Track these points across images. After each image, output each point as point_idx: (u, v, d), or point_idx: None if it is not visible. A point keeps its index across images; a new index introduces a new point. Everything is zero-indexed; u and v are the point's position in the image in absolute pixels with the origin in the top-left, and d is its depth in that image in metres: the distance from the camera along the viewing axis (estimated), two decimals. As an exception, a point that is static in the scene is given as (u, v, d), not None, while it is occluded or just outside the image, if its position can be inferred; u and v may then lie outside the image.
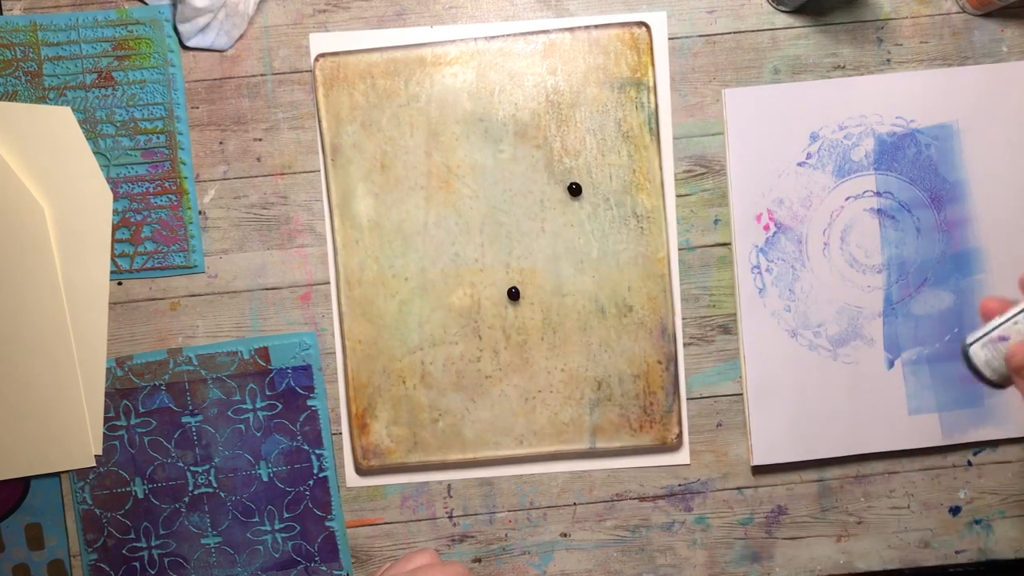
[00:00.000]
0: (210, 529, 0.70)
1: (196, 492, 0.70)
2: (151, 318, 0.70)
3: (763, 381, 0.70)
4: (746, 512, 0.71)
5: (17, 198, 0.67)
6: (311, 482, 0.70)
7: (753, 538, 0.72)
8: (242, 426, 0.69)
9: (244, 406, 0.69)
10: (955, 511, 0.72)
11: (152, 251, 0.69)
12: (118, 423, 0.69)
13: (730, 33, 0.70)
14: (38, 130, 0.67)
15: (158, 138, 0.69)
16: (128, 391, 0.69)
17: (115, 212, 0.69)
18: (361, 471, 0.70)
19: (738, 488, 0.71)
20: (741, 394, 0.71)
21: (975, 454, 0.72)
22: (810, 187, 0.69)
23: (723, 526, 0.71)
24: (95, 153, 0.68)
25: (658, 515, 0.71)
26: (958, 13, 0.70)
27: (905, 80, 0.69)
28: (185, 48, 0.69)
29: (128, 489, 0.70)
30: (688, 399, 0.71)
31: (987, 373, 0.51)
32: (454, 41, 0.68)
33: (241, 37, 0.69)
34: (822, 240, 0.70)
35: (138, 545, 0.70)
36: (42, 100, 0.68)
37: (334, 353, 0.70)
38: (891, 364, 0.70)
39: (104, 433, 0.69)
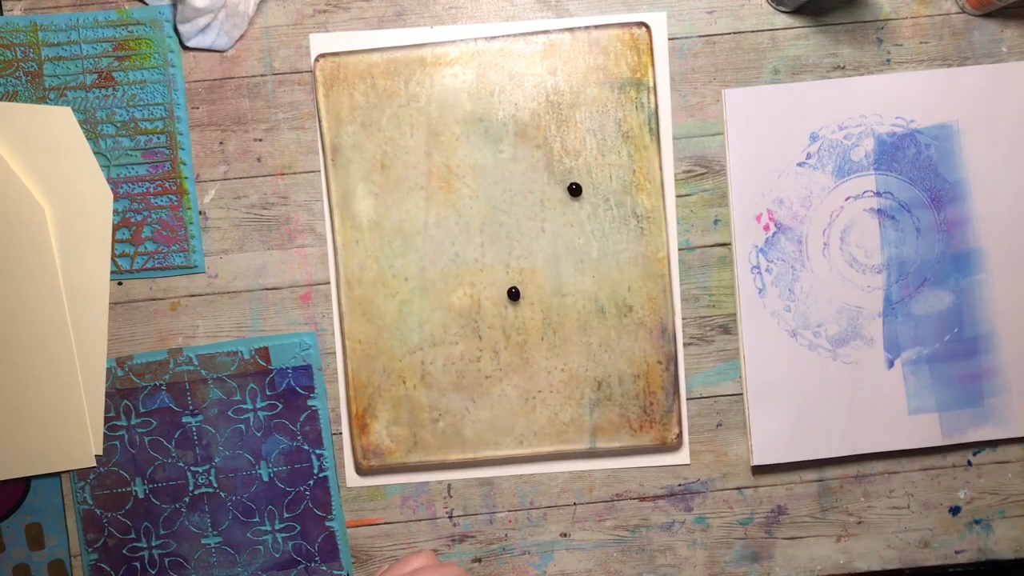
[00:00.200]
0: (210, 529, 0.70)
1: (196, 492, 0.70)
2: (151, 318, 0.70)
3: (763, 381, 0.70)
4: (746, 512, 0.71)
5: (17, 198, 0.67)
6: (311, 482, 0.70)
7: (753, 538, 0.72)
8: (242, 426, 0.69)
9: (244, 406, 0.69)
10: (955, 511, 0.72)
11: (152, 251, 0.69)
12: (118, 423, 0.69)
13: (730, 33, 0.70)
14: (38, 130, 0.67)
15: (158, 138, 0.69)
16: (128, 391, 0.69)
17: (115, 212, 0.69)
18: (361, 471, 0.70)
19: (738, 488, 0.71)
20: (741, 394, 0.71)
21: (975, 454, 0.72)
22: (810, 187, 0.70)
23: (723, 526, 0.71)
24: (95, 153, 0.68)
25: (658, 515, 0.71)
26: (958, 13, 0.70)
27: (905, 80, 0.69)
28: (185, 48, 0.69)
29: (128, 489, 0.70)
30: (688, 399, 0.71)
31: None
32: (454, 41, 0.68)
33: (241, 37, 0.69)
34: (822, 240, 0.70)
35: (138, 545, 0.70)
36: (42, 100, 0.68)
37: (334, 353, 0.70)
38: (891, 364, 0.70)
39: (104, 433, 0.69)
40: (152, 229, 0.69)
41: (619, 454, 0.71)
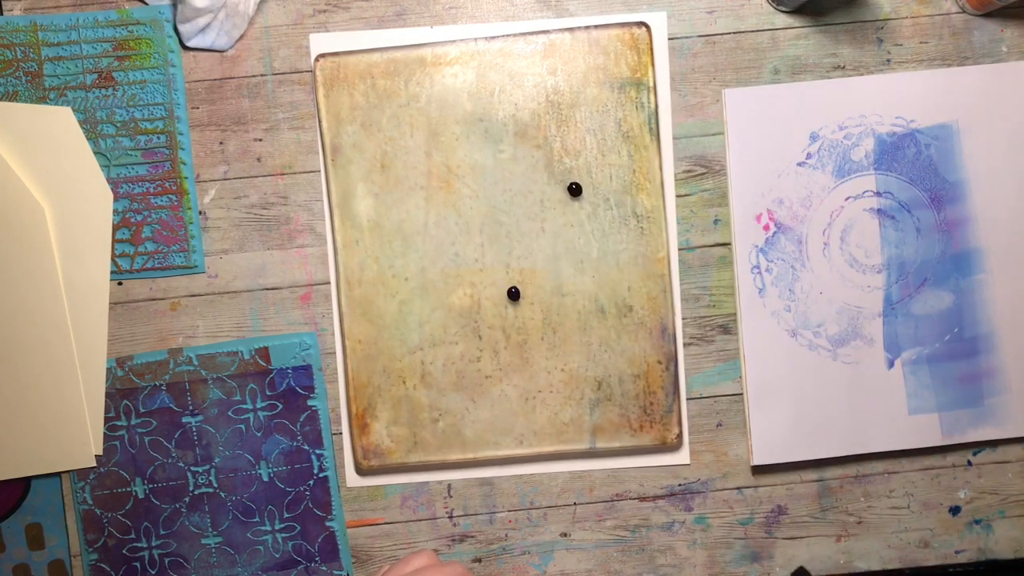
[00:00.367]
0: (210, 529, 0.70)
1: (196, 492, 0.70)
2: (151, 318, 0.70)
3: (763, 381, 0.70)
4: (746, 512, 0.71)
5: (17, 198, 0.67)
6: (311, 482, 0.70)
7: (753, 538, 0.72)
8: (242, 426, 0.69)
9: (244, 406, 0.69)
10: (955, 511, 0.72)
11: (152, 251, 0.69)
12: (118, 423, 0.69)
13: (730, 33, 0.70)
14: (38, 130, 0.67)
15: (158, 138, 0.69)
16: (128, 391, 0.69)
17: (115, 212, 0.69)
18: (361, 471, 0.70)
19: (738, 488, 0.71)
20: (741, 394, 0.71)
21: (975, 454, 0.72)
22: (810, 187, 0.70)
23: (723, 526, 0.71)
24: (95, 153, 0.68)
25: (658, 515, 0.71)
26: (958, 13, 0.70)
27: (905, 80, 0.69)
28: (185, 48, 0.69)
29: (128, 489, 0.70)
30: (688, 399, 0.71)
31: None
32: (454, 41, 0.68)
33: (241, 37, 0.69)
34: (822, 240, 0.70)
35: (138, 545, 0.70)
36: (42, 100, 0.68)
37: (334, 353, 0.70)
38: (891, 364, 0.70)
39: (104, 433, 0.69)
40: (152, 229, 0.69)
41: (619, 454, 0.71)
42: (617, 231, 0.69)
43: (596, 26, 0.68)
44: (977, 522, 0.72)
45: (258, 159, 0.70)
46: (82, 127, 0.68)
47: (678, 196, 0.70)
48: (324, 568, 0.70)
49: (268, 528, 0.70)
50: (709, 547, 0.72)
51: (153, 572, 0.70)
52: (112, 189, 0.68)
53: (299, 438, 0.70)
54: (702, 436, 0.71)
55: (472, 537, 0.71)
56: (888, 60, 0.70)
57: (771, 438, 0.70)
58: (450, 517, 0.71)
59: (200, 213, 0.70)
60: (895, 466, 0.72)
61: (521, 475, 0.71)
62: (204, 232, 0.70)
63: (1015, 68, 0.69)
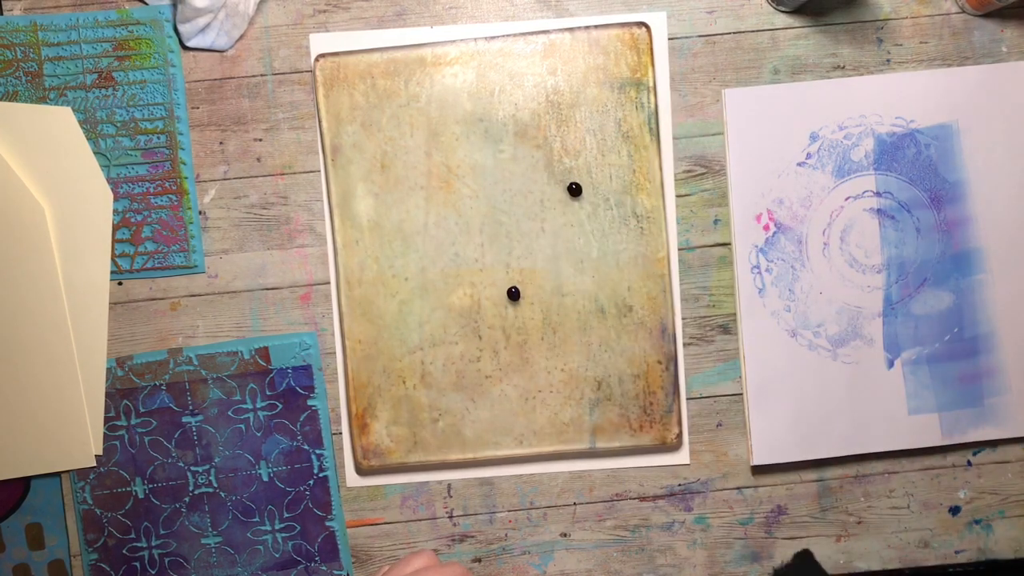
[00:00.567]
0: (210, 529, 0.70)
1: (196, 492, 0.70)
2: (151, 318, 0.70)
3: (763, 381, 0.70)
4: (746, 512, 0.71)
5: (17, 198, 0.67)
6: (311, 482, 0.70)
7: (753, 538, 0.72)
8: (242, 426, 0.69)
9: (244, 406, 0.69)
10: (955, 511, 0.72)
11: (152, 251, 0.69)
12: (118, 423, 0.69)
13: (730, 33, 0.70)
14: (38, 130, 0.67)
15: (158, 138, 0.69)
16: (128, 391, 0.69)
17: (115, 212, 0.69)
18: (361, 471, 0.70)
19: (738, 488, 0.71)
20: (741, 394, 0.71)
21: (975, 454, 0.72)
22: (810, 187, 0.70)
23: (723, 526, 0.71)
24: (95, 153, 0.68)
25: (658, 515, 0.71)
26: (958, 13, 0.70)
27: (905, 80, 0.69)
28: (185, 48, 0.69)
29: (128, 489, 0.70)
30: (688, 399, 0.71)
31: None
32: (454, 41, 0.68)
33: (241, 37, 0.69)
34: (822, 240, 0.70)
35: (138, 545, 0.70)
36: (42, 100, 0.68)
37: (334, 353, 0.70)
38: (891, 364, 0.70)
39: (104, 433, 0.69)
40: (152, 229, 0.69)
41: (619, 454, 0.71)
42: (617, 231, 0.69)
43: (596, 26, 0.68)
44: (977, 522, 0.72)
45: (258, 159, 0.70)
46: (82, 127, 0.68)
47: (678, 196, 0.70)
48: (324, 568, 0.70)
49: (268, 528, 0.70)
50: (709, 547, 0.72)
51: (153, 572, 0.70)
52: (112, 189, 0.68)
53: (299, 438, 0.70)
54: (702, 436, 0.71)
55: (472, 537, 0.71)
56: (888, 60, 0.70)
57: (771, 438, 0.70)
58: (450, 517, 0.71)
59: (200, 213, 0.70)
60: (895, 466, 0.72)
61: (521, 475, 0.71)
62: (204, 232, 0.70)
63: (1015, 68, 0.69)
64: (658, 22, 0.69)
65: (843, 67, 0.70)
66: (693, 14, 0.70)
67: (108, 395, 0.69)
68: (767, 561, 0.72)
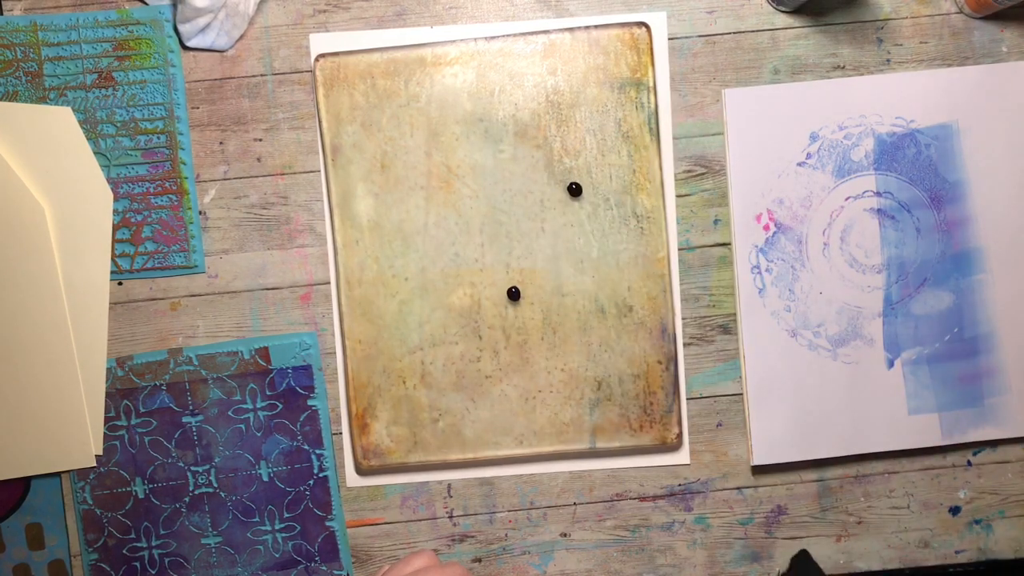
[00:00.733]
0: (210, 529, 0.70)
1: (196, 492, 0.70)
2: (151, 318, 0.70)
3: (763, 381, 0.70)
4: (746, 512, 0.71)
5: (17, 198, 0.67)
6: (311, 482, 0.70)
7: (753, 538, 0.72)
8: (242, 426, 0.69)
9: (244, 406, 0.69)
10: (955, 511, 0.72)
11: (152, 251, 0.69)
12: (118, 423, 0.69)
13: (730, 33, 0.70)
14: (38, 130, 0.67)
15: (158, 138, 0.69)
16: (128, 391, 0.69)
17: (115, 212, 0.69)
18: (361, 471, 0.70)
19: (738, 488, 0.71)
20: (741, 394, 0.71)
21: (975, 454, 0.72)
22: (810, 187, 0.70)
23: (723, 526, 0.71)
24: (95, 153, 0.68)
25: (658, 515, 0.71)
26: (957, 13, 0.70)
27: (905, 80, 0.69)
28: (185, 48, 0.69)
29: (128, 489, 0.70)
30: (688, 399, 0.71)
31: None
32: (454, 41, 0.68)
33: (241, 37, 0.69)
34: (822, 240, 0.70)
35: (138, 545, 0.70)
36: (42, 100, 0.68)
37: (334, 353, 0.70)
38: (891, 364, 0.70)
39: (104, 433, 0.69)
40: (152, 229, 0.69)
41: (619, 454, 0.71)
42: (617, 231, 0.69)
43: (596, 26, 0.68)
44: (977, 522, 0.72)
45: (258, 159, 0.70)
46: (82, 127, 0.68)
47: (678, 196, 0.70)
48: (324, 568, 0.70)
49: (268, 528, 0.70)
50: (709, 547, 0.72)
51: (153, 572, 0.70)
52: (112, 189, 0.68)
53: (299, 438, 0.70)
54: (702, 436, 0.71)
55: (472, 537, 0.71)
56: (888, 60, 0.70)
57: (771, 438, 0.70)
58: (450, 517, 0.71)
59: (200, 213, 0.70)
60: (895, 466, 0.72)
61: (521, 475, 0.71)
62: (204, 232, 0.70)
63: (1015, 68, 0.69)
64: (658, 22, 0.69)
65: (843, 67, 0.70)
66: (693, 14, 0.70)
67: (108, 395, 0.69)
68: (767, 561, 0.72)
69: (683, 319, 0.71)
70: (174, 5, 0.67)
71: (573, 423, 0.69)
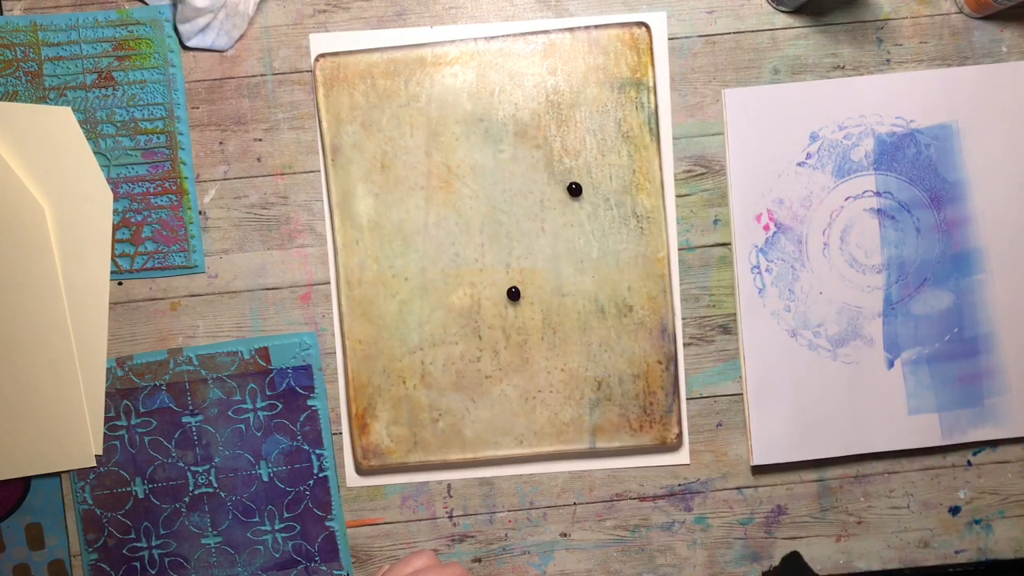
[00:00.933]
0: (210, 529, 0.70)
1: (196, 492, 0.70)
2: (151, 318, 0.70)
3: (763, 381, 0.70)
4: (746, 512, 0.71)
5: (17, 198, 0.67)
6: (311, 482, 0.70)
7: (753, 538, 0.72)
8: (242, 426, 0.69)
9: (244, 406, 0.69)
10: (955, 511, 0.72)
11: (152, 251, 0.69)
12: (118, 423, 0.69)
13: (730, 33, 0.70)
14: (38, 130, 0.67)
15: (158, 138, 0.69)
16: (128, 391, 0.69)
17: (115, 212, 0.69)
18: (361, 471, 0.70)
19: (738, 488, 0.71)
20: (741, 394, 0.71)
21: (975, 454, 0.72)
22: (810, 187, 0.70)
23: (723, 526, 0.71)
24: (95, 153, 0.68)
25: (658, 515, 0.71)
26: (957, 13, 0.70)
27: (905, 80, 0.69)
28: (185, 48, 0.69)
29: (128, 489, 0.70)
30: (688, 399, 0.71)
31: None
32: (454, 41, 0.68)
33: (241, 37, 0.69)
34: (822, 240, 0.70)
35: (138, 545, 0.70)
36: (42, 100, 0.68)
37: (334, 353, 0.70)
38: (891, 364, 0.70)
39: (104, 433, 0.69)
40: (152, 229, 0.69)
41: (619, 454, 0.71)
42: (617, 231, 0.69)
43: (596, 26, 0.68)
44: (977, 522, 0.72)
45: (258, 159, 0.70)
46: (82, 127, 0.68)
47: (678, 196, 0.70)
48: (324, 568, 0.70)
49: (268, 528, 0.70)
50: (709, 547, 0.72)
51: (153, 572, 0.70)
52: (112, 189, 0.68)
53: (299, 438, 0.70)
54: (702, 436, 0.71)
55: (472, 537, 0.71)
56: (888, 60, 0.70)
57: (771, 438, 0.70)
58: (450, 517, 0.71)
59: (200, 213, 0.70)
60: (895, 466, 0.72)
61: (521, 475, 0.71)
62: (204, 232, 0.70)
63: (1015, 68, 0.69)
64: (658, 22, 0.69)
65: (843, 67, 0.70)
66: (693, 14, 0.70)
67: (108, 395, 0.69)
68: (767, 561, 0.72)
69: (683, 319, 0.71)
70: (174, 5, 0.67)
71: (573, 423, 0.69)
